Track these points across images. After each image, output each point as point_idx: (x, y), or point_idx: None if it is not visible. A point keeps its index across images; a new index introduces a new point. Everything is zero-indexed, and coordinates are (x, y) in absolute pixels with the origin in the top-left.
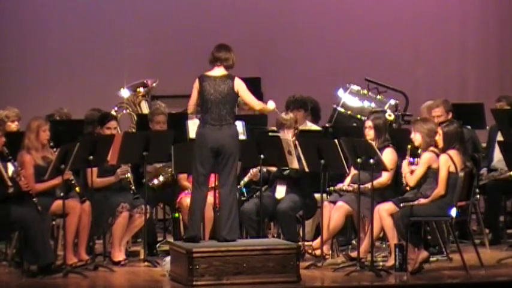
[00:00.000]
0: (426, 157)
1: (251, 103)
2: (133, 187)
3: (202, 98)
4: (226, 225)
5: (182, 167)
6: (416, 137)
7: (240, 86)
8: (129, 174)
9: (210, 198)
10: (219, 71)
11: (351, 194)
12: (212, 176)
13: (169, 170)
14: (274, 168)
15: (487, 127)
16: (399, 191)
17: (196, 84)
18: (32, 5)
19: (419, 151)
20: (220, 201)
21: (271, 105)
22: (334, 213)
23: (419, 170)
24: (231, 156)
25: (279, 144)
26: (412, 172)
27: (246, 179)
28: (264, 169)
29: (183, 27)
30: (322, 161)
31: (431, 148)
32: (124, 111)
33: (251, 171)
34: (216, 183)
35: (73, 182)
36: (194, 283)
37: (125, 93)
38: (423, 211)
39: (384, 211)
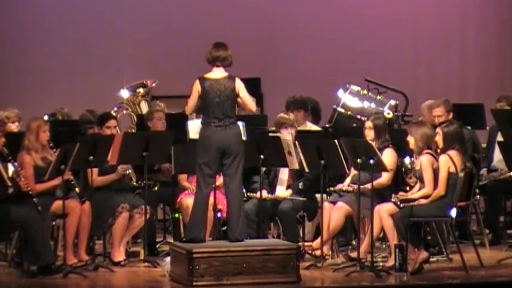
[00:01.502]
0: (426, 160)
1: (248, 105)
2: (134, 183)
3: (205, 100)
4: (238, 225)
5: (182, 167)
6: (411, 141)
7: (240, 86)
8: (130, 170)
9: (211, 198)
10: (219, 72)
11: (351, 194)
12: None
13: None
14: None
15: (487, 127)
16: (399, 191)
17: (197, 87)
18: (32, 6)
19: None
20: (230, 201)
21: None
22: (334, 213)
23: (428, 174)
24: (237, 155)
25: (279, 144)
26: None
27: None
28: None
29: (183, 27)
30: (322, 162)
31: (426, 150)
32: (124, 112)
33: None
34: (217, 184)
35: (73, 182)
36: (194, 283)
37: (125, 93)
38: (423, 211)
39: (384, 211)
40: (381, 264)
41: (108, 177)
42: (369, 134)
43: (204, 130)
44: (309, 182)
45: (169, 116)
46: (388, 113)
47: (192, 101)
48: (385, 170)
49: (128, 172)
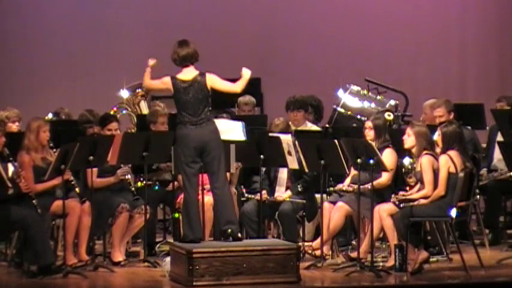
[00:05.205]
0: (426, 161)
1: (231, 89)
2: (133, 189)
3: (179, 100)
4: (235, 222)
5: None
6: (410, 140)
7: (212, 80)
8: (129, 176)
9: (210, 198)
10: (190, 72)
11: (351, 194)
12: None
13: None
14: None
15: (487, 127)
16: (399, 191)
17: (167, 83)
18: (34, 6)
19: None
20: (221, 199)
21: (246, 73)
22: (334, 213)
23: (428, 175)
24: (216, 151)
25: (279, 144)
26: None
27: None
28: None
29: (182, 28)
30: (322, 162)
31: (426, 151)
32: (123, 112)
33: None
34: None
35: (73, 182)
36: (194, 283)
37: (125, 93)
38: (423, 211)
39: (384, 211)
40: (381, 264)
41: (107, 180)
42: (369, 134)
43: (181, 130)
44: (307, 184)
45: (169, 116)
46: (389, 115)
47: (156, 84)
48: (385, 170)
49: (127, 178)
